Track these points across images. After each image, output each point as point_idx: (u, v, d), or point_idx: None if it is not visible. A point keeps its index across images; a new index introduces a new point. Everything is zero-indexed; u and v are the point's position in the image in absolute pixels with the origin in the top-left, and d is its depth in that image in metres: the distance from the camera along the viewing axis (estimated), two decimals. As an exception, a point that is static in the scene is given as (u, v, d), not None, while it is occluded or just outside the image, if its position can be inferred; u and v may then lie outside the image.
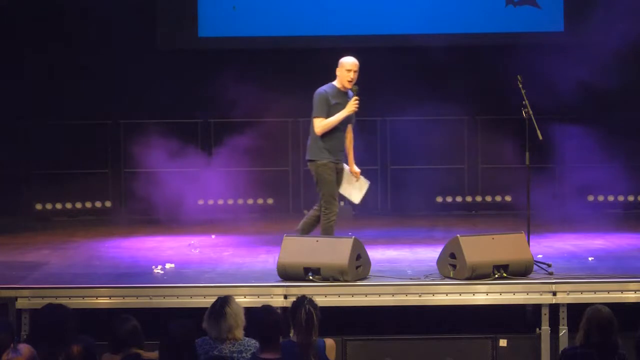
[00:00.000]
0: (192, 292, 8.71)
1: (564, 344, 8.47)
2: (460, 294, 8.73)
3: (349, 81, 9.56)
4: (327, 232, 9.54)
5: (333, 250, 8.87)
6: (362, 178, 9.84)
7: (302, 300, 6.88)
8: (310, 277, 8.79)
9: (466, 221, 14.04)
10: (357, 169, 9.83)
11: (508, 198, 15.28)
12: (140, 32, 15.19)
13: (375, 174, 14.73)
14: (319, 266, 8.81)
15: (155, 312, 8.47)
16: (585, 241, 11.69)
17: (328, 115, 9.57)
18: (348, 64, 9.57)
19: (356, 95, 9.58)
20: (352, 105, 9.55)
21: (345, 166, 9.79)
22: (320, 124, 9.61)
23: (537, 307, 8.74)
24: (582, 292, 8.67)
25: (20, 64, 14.63)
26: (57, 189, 15.14)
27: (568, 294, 8.66)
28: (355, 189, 9.80)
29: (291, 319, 6.84)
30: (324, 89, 9.64)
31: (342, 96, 9.63)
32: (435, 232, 12.51)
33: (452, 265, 8.93)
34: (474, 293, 8.73)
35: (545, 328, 8.66)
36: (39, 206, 15.12)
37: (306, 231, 9.71)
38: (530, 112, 9.58)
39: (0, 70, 14.46)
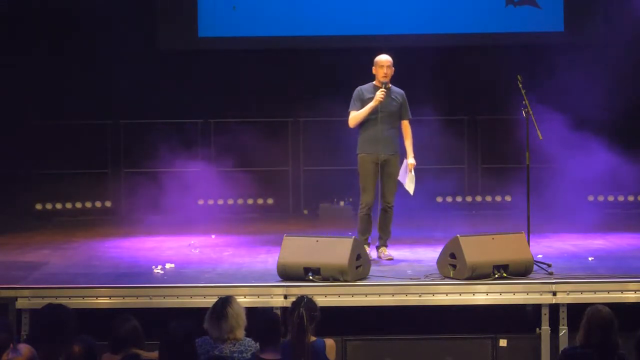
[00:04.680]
0: (192, 292, 8.71)
1: (564, 344, 8.47)
2: (460, 294, 8.73)
3: (383, 76, 10.08)
4: (359, 222, 10.12)
5: (333, 250, 8.87)
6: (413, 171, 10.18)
7: (300, 302, 6.91)
8: (310, 277, 8.79)
9: (466, 221, 14.03)
10: (411, 161, 10.15)
11: (508, 198, 15.29)
12: (140, 32, 15.19)
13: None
14: (319, 266, 8.81)
15: (155, 312, 8.47)
16: (585, 241, 11.69)
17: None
18: (379, 61, 10.15)
19: (383, 88, 10.03)
20: (377, 96, 10.01)
21: (406, 159, 10.16)
22: (350, 117, 10.17)
23: (537, 307, 8.75)
24: (582, 292, 8.67)
25: (21, 64, 14.62)
26: (57, 189, 15.13)
27: (568, 294, 8.66)
28: (409, 180, 10.12)
29: (289, 320, 6.88)
30: (361, 86, 10.22)
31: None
32: (435, 232, 12.49)
33: (452, 265, 8.93)
34: (474, 293, 8.73)
35: (545, 328, 8.66)
36: (39, 206, 15.12)
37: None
38: (531, 111, 9.60)
39: (0, 71, 14.46)
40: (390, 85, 10.19)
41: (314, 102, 14.28)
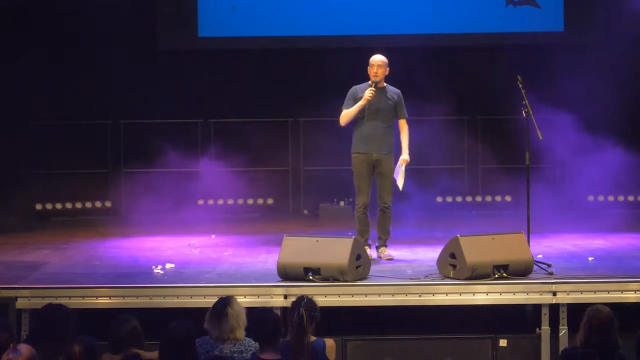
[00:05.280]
0: (192, 292, 8.71)
1: (564, 344, 8.48)
2: (460, 294, 8.73)
3: (374, 76, 10.15)
4: (357, 223, 10.23)
5: (333, 250, 8.87)
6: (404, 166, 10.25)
7: (299, 302, 6.91)
8: (310, 277, 8.79)
9: (466, 221, 14.02)
10: (405, 157, 10.22)
11: (508, 198, 15.29)
12: (140, 32, 15.18)
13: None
14: (319, 266, 8.82)
15: (155, 312, 8.47)
16: (585, 241, 11.69)
17: None
18: (371, 60, 10.27)
19: (373, 87, 10.08)
20: (365, 94, 10.08)
21: (401, 156, 10.25)
22: (341, 115, 10.27)
23: (537, 307, 8.75)
24: (582, 292, 8.67)
25: (20, 63, 14.61)
26: (57, 189, 15.13)
27: (568, 294, 8.66)
28: (401, 175, 10.17)
29: (289, 319, 6.88)
30: (356, 85, 10.33)
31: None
32: (435, 232, 12.50)
33: (452, 265, 8.93)
34: (474, 293, 8.73)
35: (545, 328, 8.66)
36: (39, 206, 15.12)
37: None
38: (531, 111, 9.60)
39: (0, 70, 14.45)
40: (384, 84, 10.25)
41: (314, 102, 14.27)
